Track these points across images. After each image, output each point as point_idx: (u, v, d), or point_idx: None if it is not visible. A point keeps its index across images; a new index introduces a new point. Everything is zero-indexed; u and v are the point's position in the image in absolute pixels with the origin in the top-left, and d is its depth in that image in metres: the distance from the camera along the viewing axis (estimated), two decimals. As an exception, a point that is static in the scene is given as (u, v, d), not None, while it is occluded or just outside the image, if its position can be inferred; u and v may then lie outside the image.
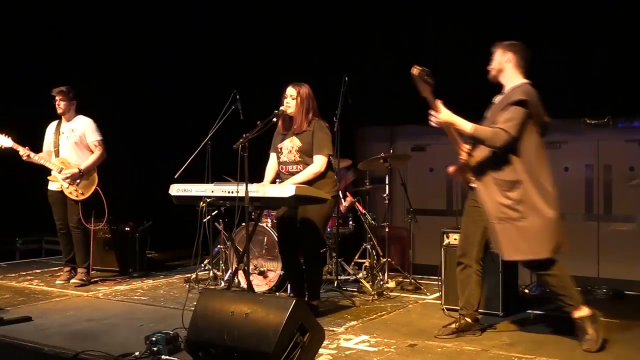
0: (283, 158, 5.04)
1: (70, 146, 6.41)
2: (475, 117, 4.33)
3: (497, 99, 4.37)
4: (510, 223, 4.13)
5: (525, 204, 4.10)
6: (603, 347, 4.07)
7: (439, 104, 4.21)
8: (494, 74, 4.36)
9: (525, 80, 4.25)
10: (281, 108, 4.93)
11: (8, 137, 6.27)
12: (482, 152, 4.27)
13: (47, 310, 5.34)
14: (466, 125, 4.15)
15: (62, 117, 6.49)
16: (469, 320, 4.45)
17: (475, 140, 4.23)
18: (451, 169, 4.56)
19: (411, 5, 7.25)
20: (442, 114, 4.20)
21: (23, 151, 6.27)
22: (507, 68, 4.28)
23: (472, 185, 4.36)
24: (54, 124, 6.55)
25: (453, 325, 4.45)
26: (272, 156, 5.19)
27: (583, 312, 4.14)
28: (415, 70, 4.10)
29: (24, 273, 7.18)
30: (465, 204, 4.56)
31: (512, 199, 4.12)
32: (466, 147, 4.37)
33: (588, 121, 6.77)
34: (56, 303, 5.67)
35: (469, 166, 4.36)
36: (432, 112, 4.21)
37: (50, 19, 8.00)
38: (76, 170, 6.30)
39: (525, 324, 4.72)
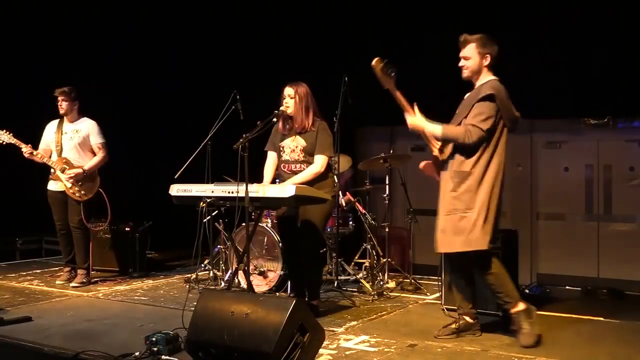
0: (285, 157, 5.04)
1: (74, 147, 6.41)
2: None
3: (467, 95, 4.41)
4: (454, 214, 4.21)
5: (471, 194, 4.17)
6: (539, 342, 4.17)
7: (414, 107, 4.32)
8: (466, 76, 4.37)
9: (494, 77, 4.28)
10: (281, 108, 4.93)
11: (9, 133, 6.27)
12: (450, 148, 4.34)
13: (47, 310, 5.34)
14: (436, 129, 4.23)
15: (65, 117, 6.48)
16: (468, 319, 4.47)
17: (447, 141, 4.28)
18: (422, 164, 4.67)
19: (411, 5, 7.25)
20: (412, 119, 4.30)
21: (26, 148, 6.26)
22: (483, 69, 4.30)
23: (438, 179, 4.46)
24: (54, 122, 6.54)
25: (453, 326, 4.46)
26: (271, 155, 5.18)
27: (519, 307, 4.23)
28: (375, 62, 4.18)
29: (24, 273, 7.18)
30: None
31: (460, 190, 4.20)
32: (437, 144, 4.42)
33: (588, 121, 6.76)
34: (56, 303, 5.67)
35: (439, 162, 4.44)
36: (406, 116, 4.31)
37: (50, 19, 7.99)
38: (80, 171, 6.30)
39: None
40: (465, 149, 4.19)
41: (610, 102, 6.41)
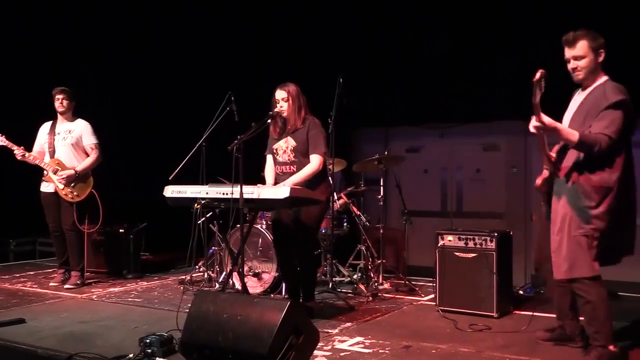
0: (279, 159, 5.04)
1: (67, 147, 6.39)
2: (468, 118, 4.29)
3: (579, 98, 3.96)
4: (596, 233, 3.75)
5: (613, 212, 3.76)
6: None
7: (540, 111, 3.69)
8: (583, 77, 3.86)
9: (606, 77, 3.87)
10: (275, 110, 4.93)
11: (1, 135, 6.25)
12: (568, 161, 3.89)
13: (40, 312, 5.32)
14: (572, 133, 3.69)
15: (58, 118, 6.46)
16: (568, 331, 4.21)
17: (581, 147, 3.73)
18: (539, 181, 4.17)
19: (407, 7, 7.27)
20: (548, 121, 3.67)
21: (18, 150, 6.24)
22: (597, 67, 3.84)
23: (555, 194, 3.99)
24: (47, 124, 6.53)
25: (554, 333, 4.26)
26: (268, 158, 5.19)
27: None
28: (538, 75, 3.52)
29: (18, 275, 7.15)
30: (539, 216, 4.27)
31: (600, 207, 3.75)
32: (553, 155, 4.03)
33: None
34: (50, 305, 5.65)
35: (556, 175, 3.98)
36: (535, 121, 3.67)
37: (45, 21, 7.97)
38: (72, 172, 6.28)
39: (519, 325, 4.72)
40: (594, 162, 3.74)
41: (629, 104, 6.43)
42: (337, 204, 6.52)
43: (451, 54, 7.06)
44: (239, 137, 4.39)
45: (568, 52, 3.86)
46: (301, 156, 4.94)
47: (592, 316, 3.86)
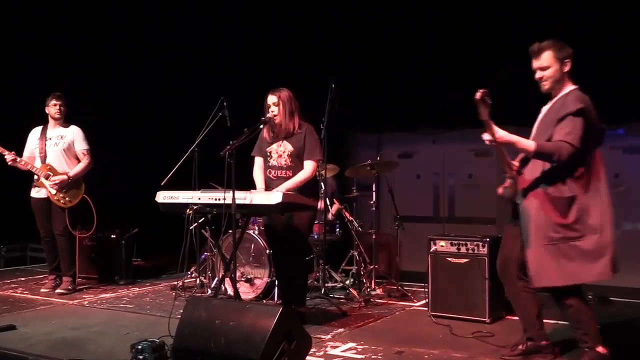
0: (272, 162, 5.03)
1: (58, 153, 6.37)
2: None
3: (545, 108, 4.02)
4: (564, 243, 3.77)
5: (582, 221, 3.76)
6: None
7: (493, 125, 3.75)
8: (549, 87, 3.93)
9: (574, 86, 3.92)
10: (267, 116, 4.93)
11: None
12: (532, 169, 3.92)
13: (31, 318, 5.29)
14: (529, 143, 3.74)
15: (49, 123, 6.44)
16: (536, 342, 4.12)
17: (539, 157, 3.78)
18: (500, 190, 4.12)
19: (399, 13, 7.29)
20: (501, 134, 3.74)
21: (9, 155, 6.21)
22: (563, 77, 3.90)
23: (518, 202, 3.98)
24: (37, 129, 6.50)
25: (520, 347, 4.13)
26: (258, 160, 5.17)
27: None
28: (479, 95, 3.61)
29: (8, 281, 7.11)
30: (507, 222, 4.23)
31: (569, 216, 3.76)
32: (515, 164, 4.03)
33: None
34: (41, 311, 5.62)
35: (517, 184, 3.98)
36: (488, 134, 3.73)
37: (36, 25, 7.95)
38: (65, 177, 6.26)
39: (512, 330, 4.73)
40: (556, 170, 3.79)
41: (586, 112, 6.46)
42: (332, 211, 6.53)
43: (444, 60, 7.08)
44: (231, 142, 4.38)
45: (534, 63, 3.94)
46: (298, 161, 4.95)
47: (577, 319, 3.89)
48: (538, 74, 3.93)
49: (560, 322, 4.68)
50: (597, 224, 3.78)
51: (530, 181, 3.90)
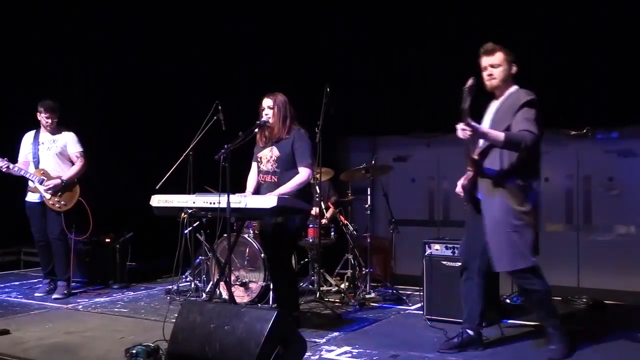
0: (262, 167, 5.03)
1: (52, 157, 6.36)
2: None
3: (493, 106, 4.26)
4: (524, 229, 4.04)
5: (536, 207, 4.07)
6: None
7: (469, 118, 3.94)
8: (497, 84, 4.18)
9: (517, 86, 4.19)
10: (262, 119, 4.92)
11: None
12: (492, 162, 4.15)
13: (25, 323, 5.27)
14: (499, 134, 3.95)
15: (42, 127, 6.42)
16: (471, 333, 4.37)
17: (508, 146, 3.98)
18: (464, 181, 4.34)
19: (394, 17, 7.31)
20: (475, 125, 3.95)
21: (2, 162, 6.20)
22: (510, 78, 4.18)
23: (479, 196, 4.21)
24: (30, 134, 6.48)
25: (455, 340, 4.36)
26: (254, 166, 5.18)
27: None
28: (469, 83, 3.87)
29: (2, 285, 7.08)
30: (466, 216, 4.43)
31: (525, 205, 4.03)
32: (476, 157, 4.21)
33: (567, 132, 6.84)
34: (35, 316, 5.60)
35: (478, 176, 4.21)
36: (463, 125, 3.90)
37: (28, 27, 7.93)
38: (58, 181, 6.25)
39: (506, 334, 4.73)
40: (513, 161, 4.04)
41: (589, 113, 6.50)
42: (327, 215, 6.53)
43: (437, 64, 7.09)
44: (226, 146, 4.38)
45: (486, 61, 4.19)
46: (283, 167, 4.89)
47: (541, 302, 4.18)
48: (488, 71, 4.18)
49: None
50: (538, 211, 4.13)
51: (493, 173, 4.12)
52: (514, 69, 4.18)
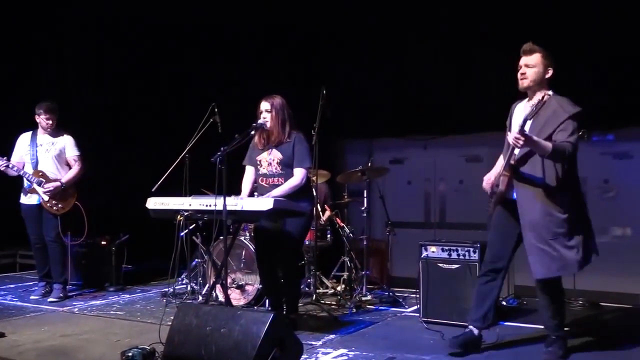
0: (263, 170, 5.03)
1: (50, 159, 6.35)
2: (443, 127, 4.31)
3: (526, 108, 4.16)
4: (563, 237, 4.02)
5: (574, 217, 4.05)
6: None
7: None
8: (528, 84, 4.15)
9: (552, 91, 4.13)
10: (259, 122, 4.93)
11: None
12: (531, 168, 4.11)
13: (21, 325, 5.25)
14: (547, 144, 3.91)
15: (39, 129, 6.41)
16: (475, 333, 4.37)
17: (554, 157, 3.95)
18: (489, 180, 4.39)
19: (391, 19, 7.31)
20: (529, 137, 3.90)
21: (1, 160, 6.18)
22: (544, 81, 4.14)
23: (513, 197, 4.19)
24: (27, 135, 6.46)
25: (461, 337, 4.34)
26: (248, 169, 5.18)
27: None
28: (538, 100, 3.94)
29: (-2, 288, 7.08)
30: (494, 217, 4.40)
31: (566, 212, 4.02)
32: (512, 162, 4.17)
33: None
34: (30, 318, 5.59)
35: (516, 180, 4.17)
36: (518, 134, 3.85)
37: (22, 28, 7.92)
38: (58, 184, 6.25)
39: (502, 335, 4.74)
40: (552, 170, 4.03)
41: (584, 115, 6.50)
42: (324, 217, 6.54)
43: (434, 66, 7.10)
44: (222, 148, 4.38)
45: (523, 60, 4.16)
46: (288, 169, 4.95)
47: (559, 312, 4.20)
48: (522, 70, 4.14)
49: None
50: (586, 219, 4.15)
51: (534, 179, 4.08)
52: (550, 72, 4.13)
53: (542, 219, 4.03)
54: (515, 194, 4.18)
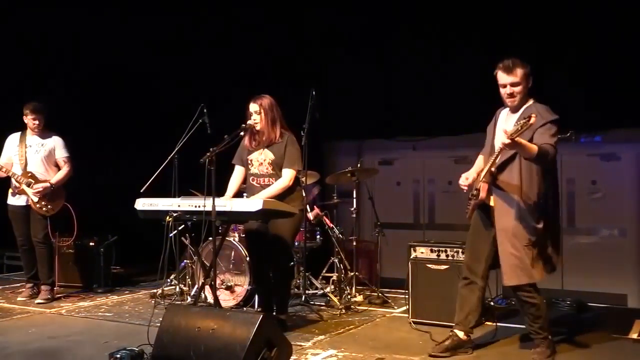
0: (254, 170, 5.03)
1: (39, 160, 6.31)
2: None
3: (509, 117, 4.19)
4: (537, 245, 4.04)
5: (549, 226, 4.07)
6: None
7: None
8: (519, 103, 4.11)
9: (532, 99, 4.15)
10: (249, 122, 4.93)
11: None
12: (509, 175, 4.11)
13: (7, 328, 5.22)
14: (533, 147, 3.85)
15: (27, 130, 6.37)
16: (463, 337, 4.40)
17: (538, 159, 3.91)
18: (466, 179, 4.31)
19: (380, 20, 7.33)
20: (518, 141, 3.81)
21: None
22: (527, 92, 4.12)
23: (490, 204, 4.20)
24: (16, 135, 6.42)
25: (447, 342, 4.36)
26: (237, 169, 5.17)
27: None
28: (533, 120, 3.82)
29: (-15, 290, 7.03)
30: (473, 221, 4.41)
31: (541, 221, 4.03)
32: (493, 169, 4.15)
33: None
34: (17, 320, 5.55)
35: (491, 186, 4.17)
36: (509, 137, 3.75)
37: (17, 28, 7.87)
38: (47, 185, 6.21)
39: (491, 336, 4.76)
40: (532, 176, 4.04)
41: (572, 117, 6.53)
42: (311, 216, 6.53)
43: (423, 68, 7.13)
44: (211, 149, 4.38)
45: (506, 79, 4.07)
46: (278, 169, 4.95)
47: (538, 315, 4.18)
48: (509, 89, 4.08)
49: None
50: (555, 228, 4.19)
51: (511, 187, 4.09)
52: (531, 81, 4.11)
53: (516, 225, 4.05)
54: (493, 200, 4.19)
